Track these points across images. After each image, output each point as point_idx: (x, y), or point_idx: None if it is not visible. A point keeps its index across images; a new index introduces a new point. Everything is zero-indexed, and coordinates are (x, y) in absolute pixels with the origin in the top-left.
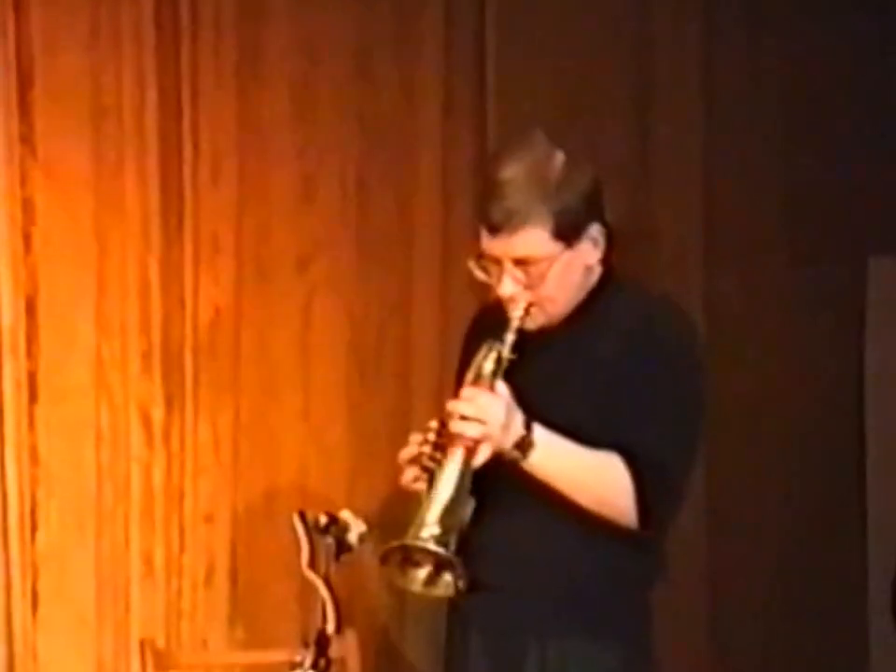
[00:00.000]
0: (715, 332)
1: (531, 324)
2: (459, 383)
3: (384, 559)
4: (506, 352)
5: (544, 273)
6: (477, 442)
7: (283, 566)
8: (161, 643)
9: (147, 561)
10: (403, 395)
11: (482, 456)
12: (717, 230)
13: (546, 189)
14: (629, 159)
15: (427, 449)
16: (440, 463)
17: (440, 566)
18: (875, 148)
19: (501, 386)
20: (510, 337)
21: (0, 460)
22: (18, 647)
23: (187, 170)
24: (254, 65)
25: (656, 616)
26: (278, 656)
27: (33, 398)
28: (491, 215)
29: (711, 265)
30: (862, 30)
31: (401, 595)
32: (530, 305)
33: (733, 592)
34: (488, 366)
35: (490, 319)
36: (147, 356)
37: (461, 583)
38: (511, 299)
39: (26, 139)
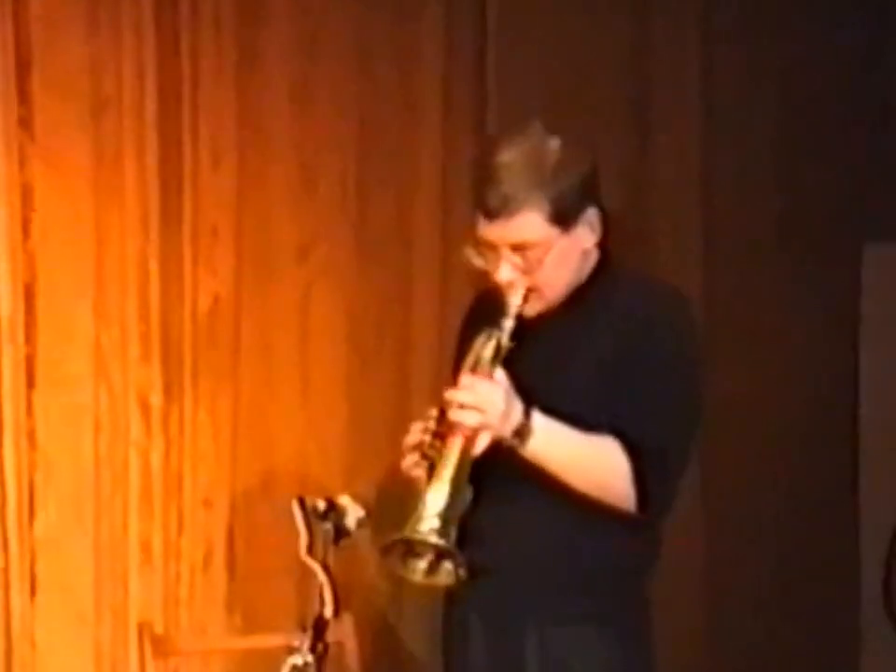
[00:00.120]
0: (713, 327)
1: (529, 310)
2: (457, 370)
3: (384, 552)
4: (504, 339)
5: (541, 257)
6: (476, 431)
7: (281, 551)
8: (159, 628)
9: (146, 547)
10: (401, 383)
11: (481, 445)
12: (715, 227)
13: (542, 173)
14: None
15: (426, 438)
16: (439, 452)
17: (440, 556)
18: (871, 143)
19: (500, 374)
20: (508, 323)
21: None
22: (16, 632)
23: (186, 159)
24: (254, 57)
25: (654, 608)
26: (276, 641)
27: (31, 384)
28: (487, 200)
29: (709, 263)
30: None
31: (399, 580)
32: (528, 291)
33: (728, 585)
34: (487, 353)
35: (487, 306)
36: (145, 342)
37: (461, 572)
38: (509, 284)
39: (25, 123)
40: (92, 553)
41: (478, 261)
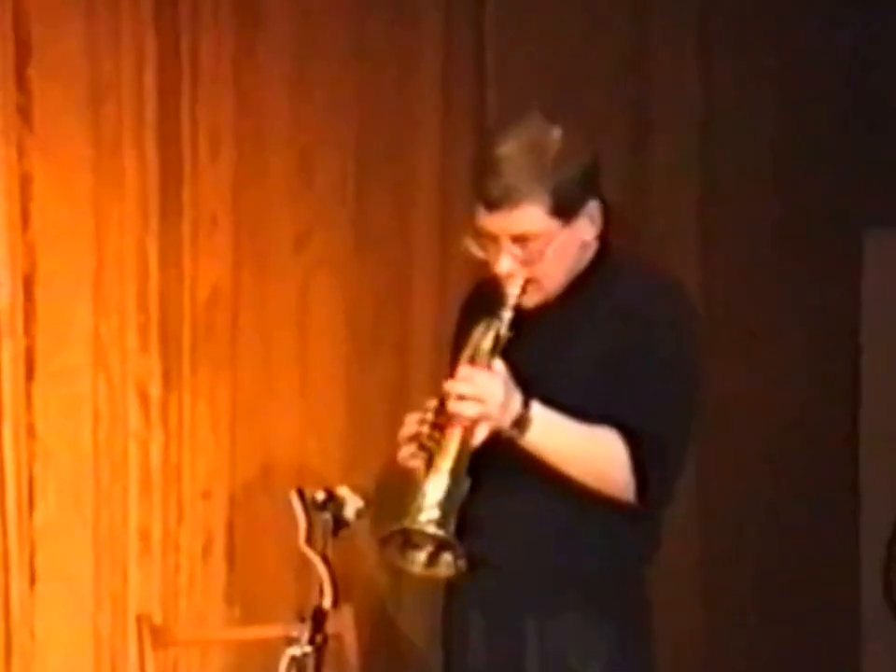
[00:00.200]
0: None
1: (528, 301)
2: (455, 360)
3: (383, 543)
4: (503, 329)
5: (541, 249)
6: (475, 422)
7: (280, 542)
8: (158, 619)
9: (145, 537)
10: (400, 373)
11: (480, 436)
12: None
13: (543, 165)
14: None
15: (425, 429)
16: (438, 443)
17: (440, 547)
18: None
19: (499, 365)
20: (507, 314)
21: None
22: (15, 622)
23: (186, 149)
24: (253, 45)
25: (653, 607)
26: (275, 632)
27: (30, 375)
28: (488, 191)
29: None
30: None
31: (398, 572)
32: (527, 282)
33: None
34: (485, 344)
35: (485, 295)
36: (144, 332)
37: (461, 563)
38: (509, 275)
39: (24, 112)
40: (91, 543)
41: (478, 252)
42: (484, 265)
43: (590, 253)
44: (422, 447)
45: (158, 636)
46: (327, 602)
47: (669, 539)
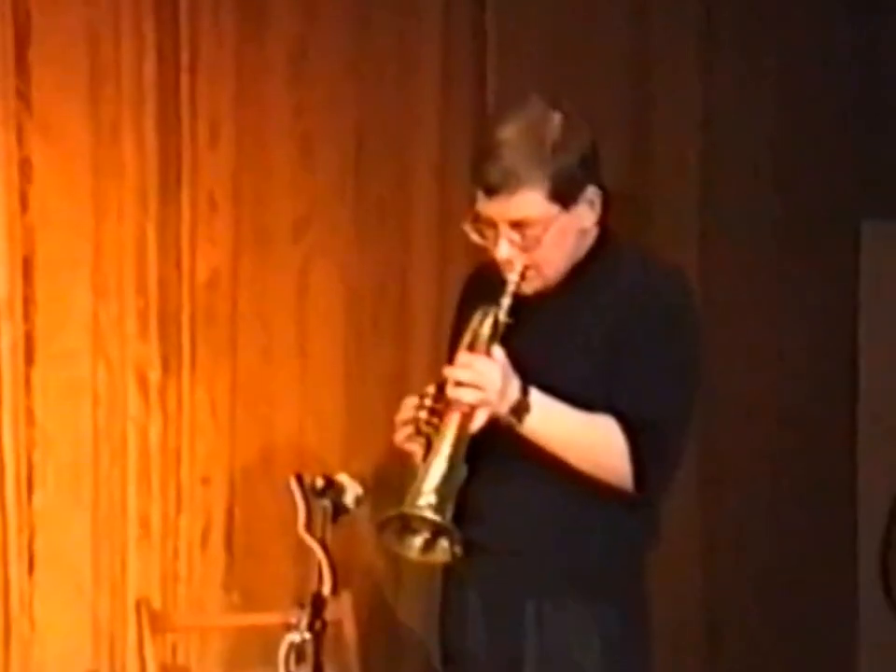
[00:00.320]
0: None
1: (527, 287)
2: (454, 346)
3: (380, 527)
4: (502, 316)
5: (540, 235)
6: (473, 408)
7: (279, 528)
8: (156, 605)
9: (144, 523)
10: (399, 359)
11: (478, 422)
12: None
13: (543, 150)
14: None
15: (423, 414)
16: (436, 429)
17: (436, 532)
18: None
19: (498, 351)
20: (506, 301)
21: None
22: (14, 608)
23: (185, 132)
24: (253, 28)
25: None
26: (274, 618)
27: (29, 359)
28: (487, 176)
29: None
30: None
31: (397, 558)
32: (526, 268)
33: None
34: (484, 330)
35: (484, 281)
36: (143, 317)
37: (458, 549)
38: (508, 261)
39: (23, 95)
40: (90, 528)
41: (476, 238)
42: (483, 251)
43: (590, 240)
44: (420, 433)
45: (157, 621)
46: (326, 588)
47: (669, 536)
